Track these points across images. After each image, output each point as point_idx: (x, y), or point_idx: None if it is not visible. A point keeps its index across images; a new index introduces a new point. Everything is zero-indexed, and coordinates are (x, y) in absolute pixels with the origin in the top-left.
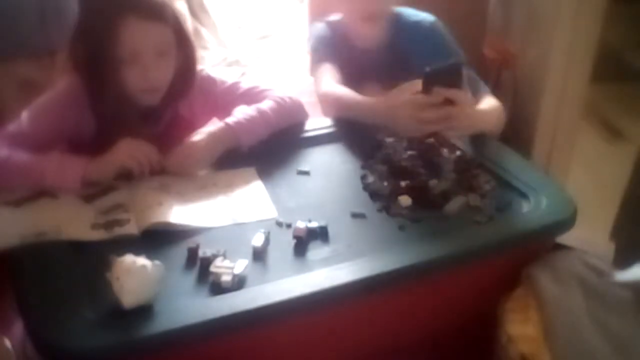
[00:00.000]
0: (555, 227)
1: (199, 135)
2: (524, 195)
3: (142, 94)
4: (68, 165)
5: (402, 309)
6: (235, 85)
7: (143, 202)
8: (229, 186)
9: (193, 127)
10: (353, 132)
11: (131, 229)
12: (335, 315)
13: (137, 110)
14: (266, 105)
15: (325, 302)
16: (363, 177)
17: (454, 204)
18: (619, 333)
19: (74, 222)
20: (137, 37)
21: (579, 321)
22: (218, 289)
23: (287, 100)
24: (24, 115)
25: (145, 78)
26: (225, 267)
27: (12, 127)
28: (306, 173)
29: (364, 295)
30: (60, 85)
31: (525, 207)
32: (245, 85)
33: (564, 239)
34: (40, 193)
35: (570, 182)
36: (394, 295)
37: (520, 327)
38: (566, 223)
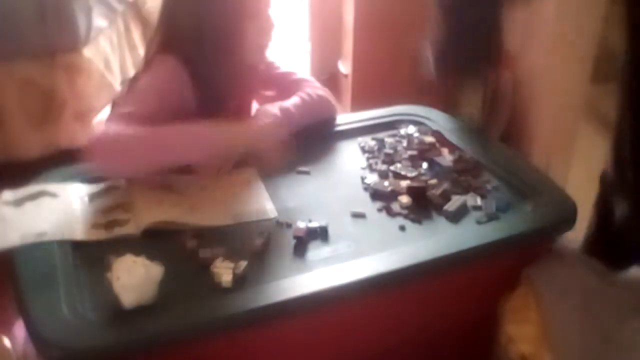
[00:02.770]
0: (555, 227)
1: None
2: (524, 195)
3: (260, 50)
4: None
5: (402, 308)
6: (272, 65)
7: (143, 202)
8: (229, 186)
9: (249, 101)
10: (353, 132)
11: (131, 228)
12: (335, 315)
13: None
14: (290, 102)
15: (326, 302)
16: (363, 177)
17: (454, 204)
18: (618, 334)
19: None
20: None
21: (579, 322)
22: (218, 289)
23: (315, 97)
24: (129, 96)
25: (265, 32)
26: (226, 267)
27: (121, 109)
28: (306, 173)
29: (364, 295)
30: (158, 67)
31: (526, 207)
32: (281, 68)
33: (564, 239)
34: (40, 192)
35: (570, 182)
36: (394, 295)
37: (520, 327)
38: (566, 223)
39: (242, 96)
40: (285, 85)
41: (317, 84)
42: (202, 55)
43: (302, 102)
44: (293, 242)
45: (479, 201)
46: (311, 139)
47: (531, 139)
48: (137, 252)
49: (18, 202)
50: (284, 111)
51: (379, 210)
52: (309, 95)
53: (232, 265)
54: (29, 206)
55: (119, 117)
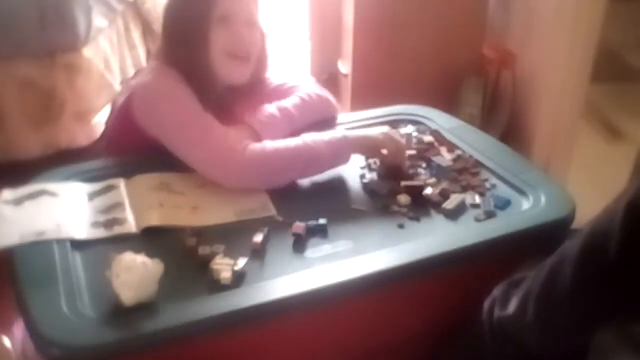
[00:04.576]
0: (555, 226)
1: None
2: (523, 194)
3: (231, 62)
4: (339, 144)
5: (401, 307)
6: (266, 82)
7: (144, 203)
8: None
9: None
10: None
11: (131, 227)
12: (334, 313)
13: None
14: (289, 102)
15: (325, 300)
16: (362, 176)
17: (453, 202)
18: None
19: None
20: (232, 1)
21: None
22: (218, 286)
23: (314, 96)
24: (177, 111)
25: (234, 40)
26: (225, 265)
27: (199, 128)
28: None
29: (363, 293)
30: (161, 76)
31: (525, 205)
32: (274, 81)
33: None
34: (40, 192)
35: (570, 182)
36: (393, 293)
37: None
38: (565, 221)
39: (237, 112)
40: (282, 93)
41: (317, 85)
42: (181, 64)
43: (301, 102)
44: (292, 239)
45: (477, 199)
46: None
47: (531, 138)
48: (136, 250)
49: (18, 202)
50: (283, 111)
51: (378, 208)
52: (308, 95)
53: (231, 262)
54: (29, 205)
55: (214, 135)
